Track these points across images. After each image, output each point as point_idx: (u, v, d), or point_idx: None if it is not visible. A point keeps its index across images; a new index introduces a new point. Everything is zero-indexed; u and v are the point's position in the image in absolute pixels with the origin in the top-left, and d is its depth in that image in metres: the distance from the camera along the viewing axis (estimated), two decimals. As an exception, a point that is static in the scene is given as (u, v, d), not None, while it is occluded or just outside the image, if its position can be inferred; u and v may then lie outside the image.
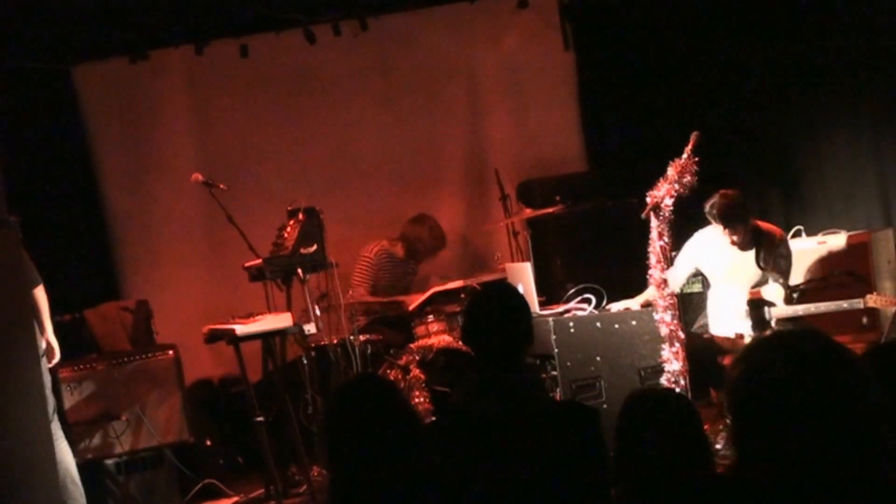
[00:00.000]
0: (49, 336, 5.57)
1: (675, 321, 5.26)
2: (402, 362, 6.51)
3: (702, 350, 5.75)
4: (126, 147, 7.97)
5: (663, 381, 5.26)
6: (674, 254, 5.89)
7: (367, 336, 6.65)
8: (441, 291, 7.00)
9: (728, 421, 1.91)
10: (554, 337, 5.68)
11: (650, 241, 5.25)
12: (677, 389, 5.07)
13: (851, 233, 6.60)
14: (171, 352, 6.53)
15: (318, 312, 6.15)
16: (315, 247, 6.13)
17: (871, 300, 5.52)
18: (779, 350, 1.80)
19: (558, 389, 5.67)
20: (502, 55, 8.32)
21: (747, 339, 5.57)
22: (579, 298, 5.97)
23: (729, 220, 5.69)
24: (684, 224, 5.73)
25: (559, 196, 7.05)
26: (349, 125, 8.15)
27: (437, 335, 6.69)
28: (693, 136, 5.23)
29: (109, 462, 6.31)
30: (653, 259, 5.25)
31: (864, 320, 6.18)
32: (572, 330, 5.74)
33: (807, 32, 7.34)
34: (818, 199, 7.44)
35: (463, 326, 3.43)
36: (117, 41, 7.70)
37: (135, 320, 6.95)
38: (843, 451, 1.69)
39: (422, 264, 7.69)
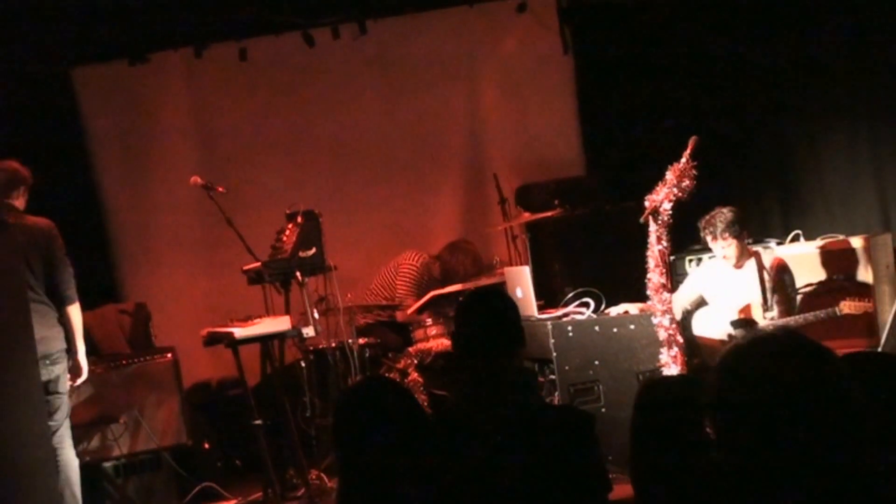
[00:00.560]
0: (79, 357, 5.56)
1: (674, 325, 5.26)
2: (400, 366, 6.51)
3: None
4: (125, 149, 7.98)
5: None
6: (672, 258, 5.89)
7: (366, 339, 6.66)
8: (439, 295, 7.01)
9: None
10: (552, 341, 5.68)
11: (649, 246, 5.25)
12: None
13: (850, 237, 6.60)
14: (169, 354, 6.53)
15: (316, 316, 6.15)
16: (314, 250, 6.14)
17: (846, 306, 5.51)
18: (755, 354, 1.80)
19: (556, 393, 5.67)
20: (501, 59, 8.33)
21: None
22: (578, 302, 5.97)
23: (721, 231, 5.68)
24: (683, 228, 5.73)
25: (558, 200, 7.06)
26: (348, 128, 8.16)
27: (435, 339, 6.70)
28: (692, 141, 5.23)
29: (107, 465, 6.31)
30: (651, 263, 5.24)
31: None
32: (571, 334, 5.73)
33: (805, 37, 7.35)
34: (817, 203, 7.44)
35: (453, 333, 3.44)
36: (117, 44, 7.71)
37: (133, 323, 6.96)
38: (825, 451, 1.70)
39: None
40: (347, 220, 7.71)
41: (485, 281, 6.97)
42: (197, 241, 7.90)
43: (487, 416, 3.10)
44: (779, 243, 6.78)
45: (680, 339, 5.27)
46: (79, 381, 5.63)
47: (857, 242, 6.43)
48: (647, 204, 5.23)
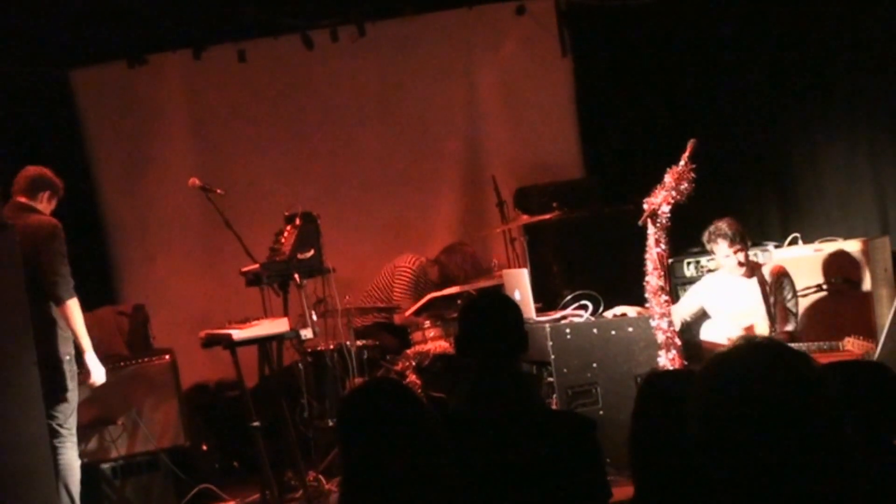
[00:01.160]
0: (87, 358, 5.56)
1: (672, 328, 5.26)
2: (398, 368, 6.51)
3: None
4: (123, 151, 7.98)
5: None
6: (670, 261, 5.89)
7: (364, 342, 6.65)
8: (438, 297, 7.00)
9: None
10: (550, 343, 5.68)
11: (647, 249, 5.25)
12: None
13: (848, 240, 6.61)
14: (167, 356, 6.52)
15: (314, 317, 6.15)
16: (312, 252, 6.13)
17: (849, 343, 5.46)
18: (734, 362, 1.80)
19: (555, 396, 5.67)
20: (500, 61, 8.33)
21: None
22: (576, 305, 5.98)
23: (732, 238, 5.70)
24: (681, 231, 5.74)
25: (556, 202, 7.07)
26: (346, 130, 8.16)
27: (433, 341, 6.70)
28: (690, 144, 5.23)
29: (105, 466, 6.30)
30: (649, 266, 5.25)
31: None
32: (569, 336, 5.73)
33: (804, 41, 7.36)
34: (815, 206, 7.46)
35: (457, 335, 3.44)
36: (115, 45, 7.71)
37: (131, 325, 6.95)
38: (804, 459, 1.70)
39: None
40: (346, 222, 7.71)
41: (483, 283, 6.97)
42: (195, 243, 7.91)
43: (489, 420, 3.10)
44: (777, 246, 6.79)
45: (678, 341, 5.27)
46: (93, 380, 5.62)
47: (855, 245, 6.44)
48: (645, 207, 5.24)
